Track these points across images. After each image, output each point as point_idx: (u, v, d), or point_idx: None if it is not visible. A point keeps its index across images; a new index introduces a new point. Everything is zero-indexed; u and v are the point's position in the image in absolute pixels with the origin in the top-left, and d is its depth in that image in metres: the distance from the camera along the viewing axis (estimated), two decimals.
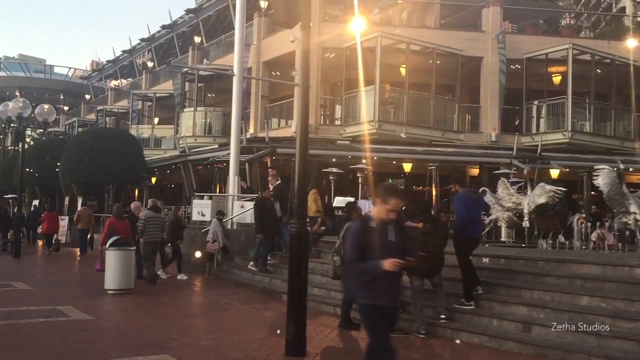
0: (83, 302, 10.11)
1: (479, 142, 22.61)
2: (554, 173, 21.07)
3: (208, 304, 10.61)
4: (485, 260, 8.95)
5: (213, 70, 23.35)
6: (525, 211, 11.45)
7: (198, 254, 14.02)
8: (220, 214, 14.38)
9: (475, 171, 24.28)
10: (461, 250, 8.24)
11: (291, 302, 6.15)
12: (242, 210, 14.79)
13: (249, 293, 11.57)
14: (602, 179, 11.03)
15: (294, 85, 21.75)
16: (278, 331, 8.02)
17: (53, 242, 20.60)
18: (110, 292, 11.04)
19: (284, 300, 10.61)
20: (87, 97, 47.93)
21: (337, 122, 23.56)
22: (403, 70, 21.94)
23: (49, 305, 9.63)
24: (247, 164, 19.64)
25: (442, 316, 7.96)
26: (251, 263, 12.89)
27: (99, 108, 38.39)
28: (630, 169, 20.56)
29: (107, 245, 11.38)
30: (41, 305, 9.70)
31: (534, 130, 22.36)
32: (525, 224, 11.44)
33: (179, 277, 13.53)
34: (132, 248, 11.45)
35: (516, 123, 23.71)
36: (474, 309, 8.13)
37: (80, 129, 36.70)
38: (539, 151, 20.81)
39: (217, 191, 21.69)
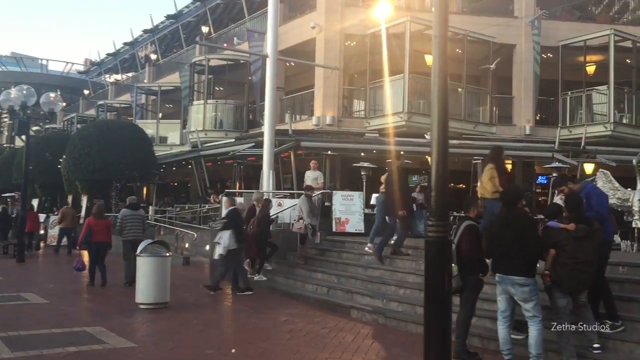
0: (114, 320, 8.41)
1: (512, 135, 21.40)
2: (588, 169, 19.62)
3: (266, 323, 8.60)
4: (623, 269, 7.27)
5: (243, 54, 21.77)
6: (636, 209, 9.93)
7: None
8: (309, 189, 12.82)
9: (507, 166, 22.89)
10: (601, 258, 6.50)
11: (431, 328, 4.61)
12: (279, 209, 13.09)
13: (305, 307, 9.73)
14: None
15: (321, 71, 20.37)
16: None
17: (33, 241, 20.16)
18: (143, 306, 9.34)
19: (354, 317, 9.06)
20: (86, 92, 46.17)
21: (359, 115, 22.11)
22: (430, 59, 20.47)
23: (75, 327, 7.90)
24: None
25: (596, 345, 6.21)
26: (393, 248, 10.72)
27: (99, 103, 36.82)
28: None
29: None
30: (65, 326, 7.97)
31: (568, 123, 21.02)
32: (636, 223, 9.94)
33: (256, 277, 12.10)
34: (167, 254, 9.76)
35: (538, 116, 22.39)
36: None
37: (79, 126, 35.03)
38: (582, 144, 19.49)
39: (237, 188, 20.12)
